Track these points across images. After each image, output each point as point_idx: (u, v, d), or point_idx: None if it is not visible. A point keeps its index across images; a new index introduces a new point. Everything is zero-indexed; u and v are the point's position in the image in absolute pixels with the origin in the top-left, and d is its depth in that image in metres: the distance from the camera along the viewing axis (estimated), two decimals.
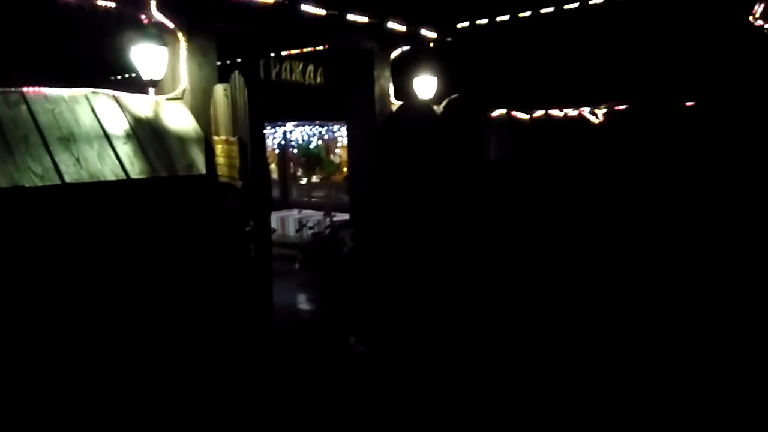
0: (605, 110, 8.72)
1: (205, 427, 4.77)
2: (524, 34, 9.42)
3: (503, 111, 8.54)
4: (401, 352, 5.96)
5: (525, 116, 8.68)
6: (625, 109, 8.45)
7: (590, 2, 8.26)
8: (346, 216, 9.53)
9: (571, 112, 8.83)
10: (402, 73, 8.41)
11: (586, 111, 8.87)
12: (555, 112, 8.87)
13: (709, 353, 5.40)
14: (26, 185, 4.41)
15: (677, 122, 8.08)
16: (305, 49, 7.74)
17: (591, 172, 8.08)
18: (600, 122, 8.69)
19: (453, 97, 6.93)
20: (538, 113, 8.80)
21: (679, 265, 6.76)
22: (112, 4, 5.75)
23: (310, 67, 7.44)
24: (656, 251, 7.02)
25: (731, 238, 6.72)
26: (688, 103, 8.06)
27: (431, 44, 8.42)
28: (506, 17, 8.97)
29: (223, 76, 5.97)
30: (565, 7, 8.46)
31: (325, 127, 12.00)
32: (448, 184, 6.60)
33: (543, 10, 8.59)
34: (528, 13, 8.80)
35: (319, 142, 12.22)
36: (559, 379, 5.25)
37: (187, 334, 5.28)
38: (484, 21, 8.99)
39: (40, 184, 4.48)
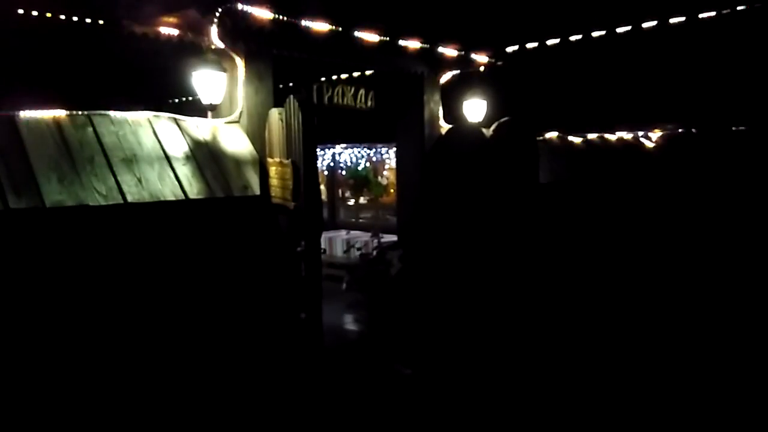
0: (659, 134, 8.58)
1: None
2: (574, 57, 9.38)
3: (554, 134, 8.50)
4: (447, 376, 5.92)
5: (576, 140, 8.61)
6: (681, 133, 8.31)
7: (642, 26, 8.18)
8: (393, 237, 9.57)
9: (625, 135, 8.73)
10: (452, 96, 8.46)
11: (639, 135, 8.75)
12: (607, 136, 8.78)
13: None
14: (91, 204, 4.59)
15: (734, 146, 7.90)
16: (356, 74, 7.88)
17: (645, 197, 7.94)
18: (654, 146, 8.55)
19: (503, 120, 6.92)
20: (590, 137, 8.71)
21: (738, 289, 6.57)
22: (175, 32, 6.02)
23: (362, 92, 7.56)
24: (713, 276, 6.83)
25: None
26: (744, 128, 7.89)
27: (481, 68, 8.46)
28: (557, 41, 8.95)
29: (277, 100, 6.13)
30: (617, 30, 8.40)
31: (373, 150, 12.13)
32: (498, 208, 6.58)
33: (594, 34, 8.54)
34: (579, 37, 8.76)
35: (367, 164, 12.33)
36: (614, 403, 5.14)
37: (241, 350, 5.38)
38: (534, 45, 9.00)
39: (103, 203, 4.66)
